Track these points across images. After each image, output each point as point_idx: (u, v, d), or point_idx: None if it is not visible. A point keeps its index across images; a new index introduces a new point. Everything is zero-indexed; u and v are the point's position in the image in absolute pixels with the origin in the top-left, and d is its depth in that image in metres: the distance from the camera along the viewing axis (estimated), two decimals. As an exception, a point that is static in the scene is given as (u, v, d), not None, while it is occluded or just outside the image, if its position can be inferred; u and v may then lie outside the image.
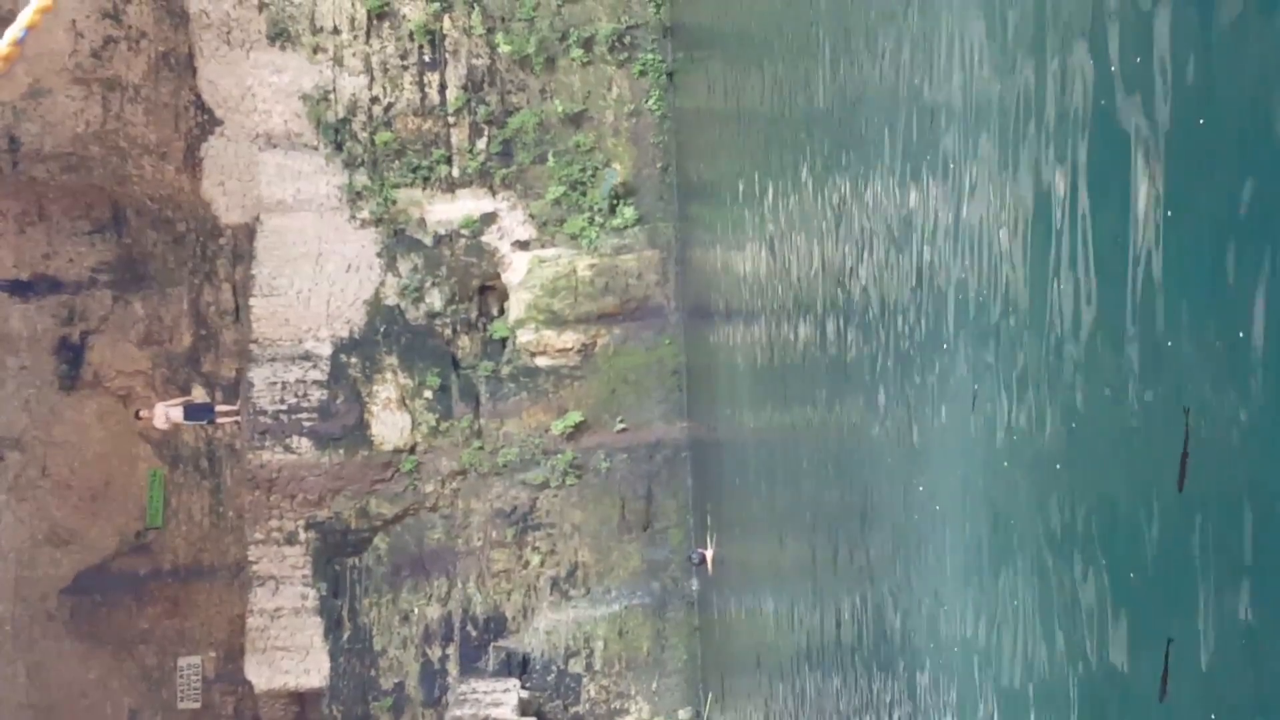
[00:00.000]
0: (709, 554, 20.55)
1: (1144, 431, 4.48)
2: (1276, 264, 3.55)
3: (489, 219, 23.71)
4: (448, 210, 23.72)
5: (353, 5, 23.65)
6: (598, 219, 23.50)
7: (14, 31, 5.22)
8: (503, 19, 23.68)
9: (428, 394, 23.47)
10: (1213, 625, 4.02)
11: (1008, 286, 5.78)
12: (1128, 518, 4.63)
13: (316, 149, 23.68)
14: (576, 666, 23.20)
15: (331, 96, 23.67)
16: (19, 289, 24.65)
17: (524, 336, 23.54)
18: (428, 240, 23.70)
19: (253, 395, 23.49)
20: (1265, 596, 3.72)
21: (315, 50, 23.65)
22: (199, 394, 24.29)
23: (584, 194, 23.52)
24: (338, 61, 23.69)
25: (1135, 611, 4.57)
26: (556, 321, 23.48)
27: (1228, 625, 3.92)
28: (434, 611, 23.46)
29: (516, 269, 23.65)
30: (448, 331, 23.76)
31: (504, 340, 23.75)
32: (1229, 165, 3.82)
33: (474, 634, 23.43)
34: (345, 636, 23.58)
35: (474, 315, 23.96)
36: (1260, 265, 3.65)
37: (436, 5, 23.61)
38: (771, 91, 12.68)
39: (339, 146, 23.65)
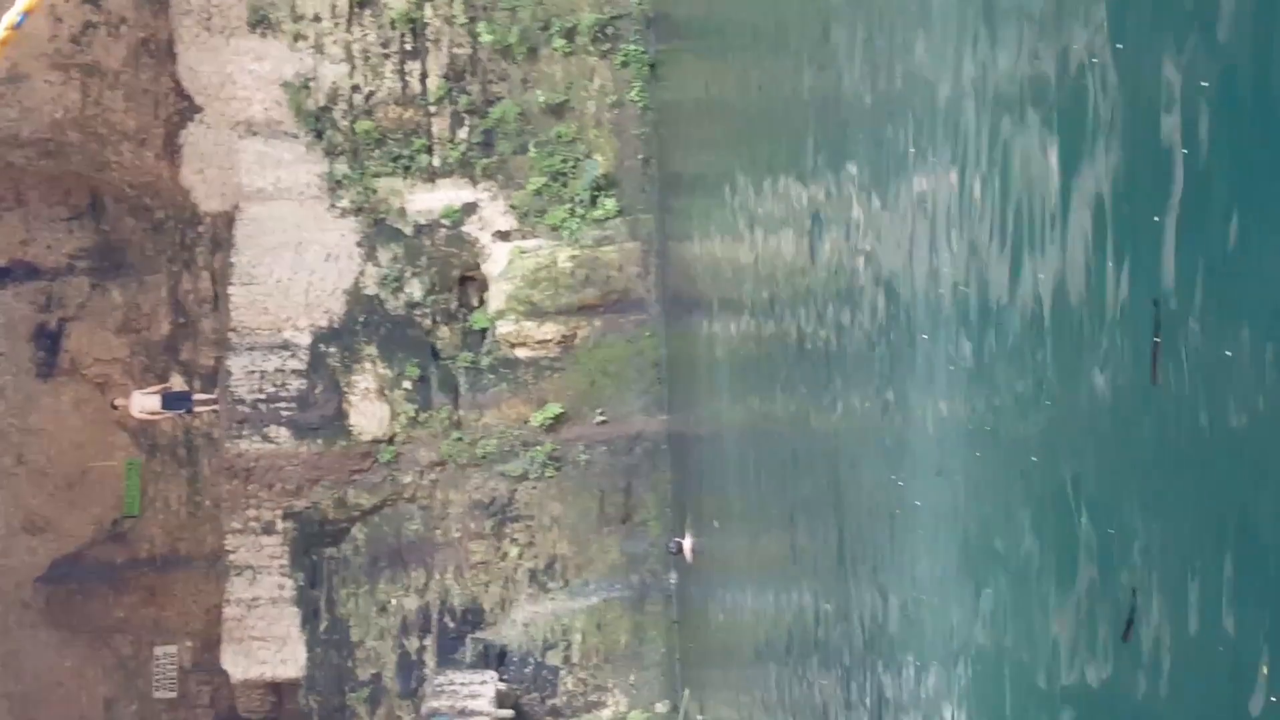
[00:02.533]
0: (686, 543, 20.54)
1: (1117, 421, 4.46)
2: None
3: (470, 209, 23.61)
4: (428, 200, 23.62)
5: (334, -8, 23.52)
6: (579, 210, 23.42)
7: (11, 16, 5.15)
8: (485, 8, 23.57)
9: (407, 384, 23.39)
10: (1193, 616, 4.00)
11: (987, 280, 5.76)
12: (1103, 508, 4.62)
13: (297, 137, 23.55)
14: (554, 659, 23.16)
15: (312, 84, 23.54)
16: (-4, 275, 24.53)
17: (504, 328, 23.46)
18: (408, 230, 23.60)
19: (231, 384, 23.37)
20: (1239, 590, 3.70)
21: (296, 38, 23.51)
22: (177, 382, 24.18)
23: (565, 185, 23.43)
24: (319, 49, 23.56)
25: (1112, 604, 4.56)
26: (536, 313, 23.40)
27: (1208, 616, 3.91)
28: (412, 603, 23.39)
29: (497, 260, 23.56)
30: (427, 322, 23.67)
31: (484, 331, 23.66)
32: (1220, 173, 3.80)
33: (451, 625, 23.36)
34: (322, 627, 23.49)
35: (454, 306, 23.87)
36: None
37: (418, -7, 23.50)
38: (752, 85, 12.64)
39: (319, 135, 23.53)
